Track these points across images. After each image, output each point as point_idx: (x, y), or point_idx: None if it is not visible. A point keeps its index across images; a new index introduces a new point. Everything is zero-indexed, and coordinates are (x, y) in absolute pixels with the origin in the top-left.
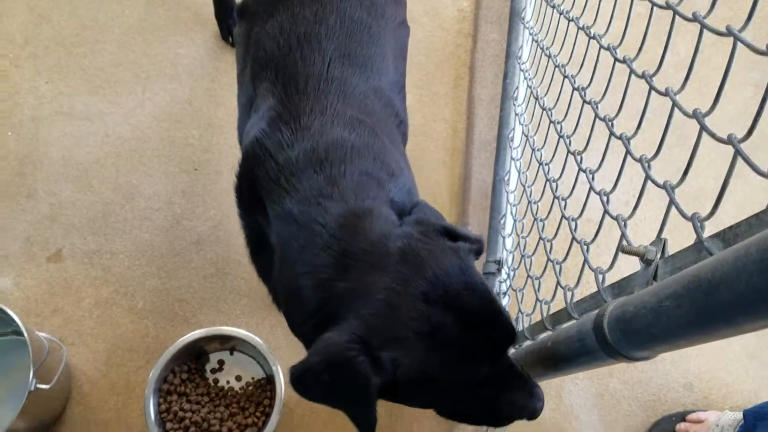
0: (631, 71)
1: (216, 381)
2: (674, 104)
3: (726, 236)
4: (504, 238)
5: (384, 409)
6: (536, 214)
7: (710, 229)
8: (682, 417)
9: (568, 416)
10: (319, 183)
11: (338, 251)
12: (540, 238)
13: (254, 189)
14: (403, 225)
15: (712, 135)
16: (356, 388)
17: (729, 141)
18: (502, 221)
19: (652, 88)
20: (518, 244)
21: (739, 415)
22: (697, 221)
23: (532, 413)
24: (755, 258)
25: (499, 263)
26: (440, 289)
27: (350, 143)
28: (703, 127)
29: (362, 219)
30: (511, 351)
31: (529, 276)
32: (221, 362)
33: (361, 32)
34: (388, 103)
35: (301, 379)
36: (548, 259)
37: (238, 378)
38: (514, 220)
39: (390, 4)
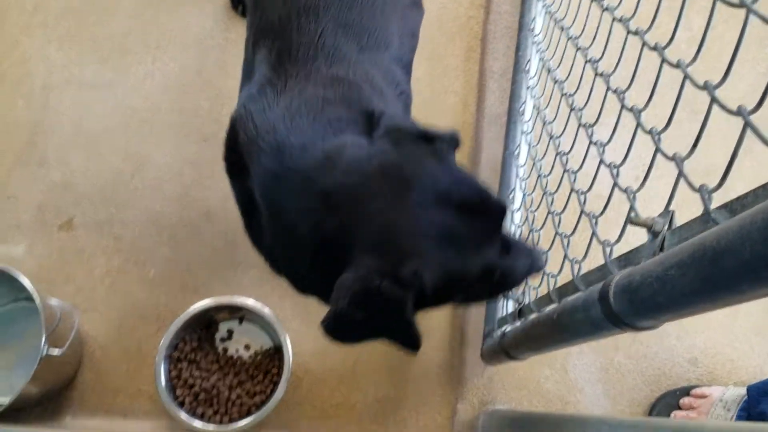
0: (644, 43)
1: (225, 350)
2: (686, 76)
3: (733, 207)
4: (513, 212)
5: (378, 394)
6: (545, 187)
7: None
8: (686, 392)
9: (573, 389)
10: (291, 135)
11: (319, 193)
12: (548, 212)
13: (240, 154)
14: (374, 141)
15: (722, 106)
16: (392, 313)
17: (739, 112)
18: (510, 195)
19: (664, 59)
20: (526, 218)
21: (743, 391)
22: (705, 193)
23: (538, 269)
24: (760, 226)
25: None
26: (431, 194)
27: (324, 96)
28: (713, 99)
29: (334, 155)
30: (517, 322)
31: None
32: (230, 331)
33: (362, 5)
34: (387, 72)
35: (335, 326)
36: (556, 233)
37: (247, 347)
38: (523, 194)
39: None
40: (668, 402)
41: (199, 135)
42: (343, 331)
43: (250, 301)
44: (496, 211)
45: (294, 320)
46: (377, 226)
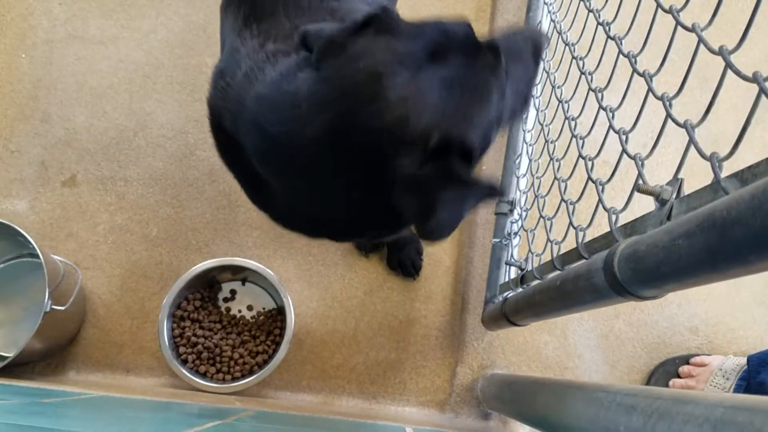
0: (658, 5)
1: (228, 309)
2: (700, 40)
3: (744, 176)
4: (518, 178)
5: (379, 356)
6: (552, 153)
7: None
8: (685, 360)
9: (572, 354)
10: (266, 87)
11: (316, 104)
12: (555, 178)
13: (228, 134)
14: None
15: (737, 72)
16: (466, 183)
17: (754, 79)
18: (517, 161)
19: (678, 22)
20: (532, 184)
21: (743, 361)
22: (715, 161)
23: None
24: None
25: (512, 204)
26: (410, 62)
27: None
28: (728, 64)
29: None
30: (519, 288)
31: (541, 216)
32: (233, 292)
33: None
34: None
35: (450, 225)
36: (562, 199)
37: (250, 308)
38: (530, 160)
39: None
40: (667, 370)
41: (204, 92)
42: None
43: (253, 263)
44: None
45: (297, 282)
46: (391, 113)
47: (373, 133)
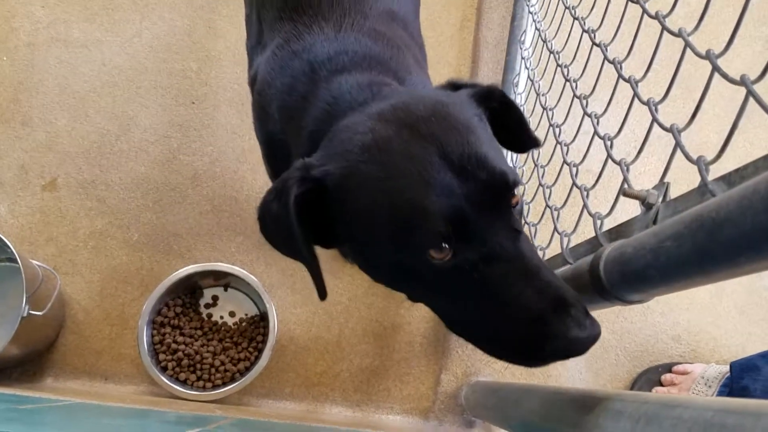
0: (644, 11)
1: (210, 316)
2: (686, 45)
3: (731, 179)
4: None
5: (363, 364)
6: (537, 160)
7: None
8: (668, 368)
9: (555, 363)
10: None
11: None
12: (540, 184)
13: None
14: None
15: (724, 75)
16: (285, 206)
17: (741, 82)
18: None
19: (664, 27)
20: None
21: (725, 369)
22: (702, 164)
23: (572, 345)
24: (763, 195)
25: None
26: (401, 111)
27: (356, 52)
28: (715, 68)
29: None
30: None
31: (526, 222)
32: (215, 298)
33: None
34: (406, 26)
35: (260, 215)
36: (546, 206)
37: (232, 314)
38: (515, 167)
39: None
40: (650, 378)
41: (188, 97)
42: (263, 222)
43: (236, 268)
44: (487, 176)
45: (280, 288)
46: (340, 130)
47: None
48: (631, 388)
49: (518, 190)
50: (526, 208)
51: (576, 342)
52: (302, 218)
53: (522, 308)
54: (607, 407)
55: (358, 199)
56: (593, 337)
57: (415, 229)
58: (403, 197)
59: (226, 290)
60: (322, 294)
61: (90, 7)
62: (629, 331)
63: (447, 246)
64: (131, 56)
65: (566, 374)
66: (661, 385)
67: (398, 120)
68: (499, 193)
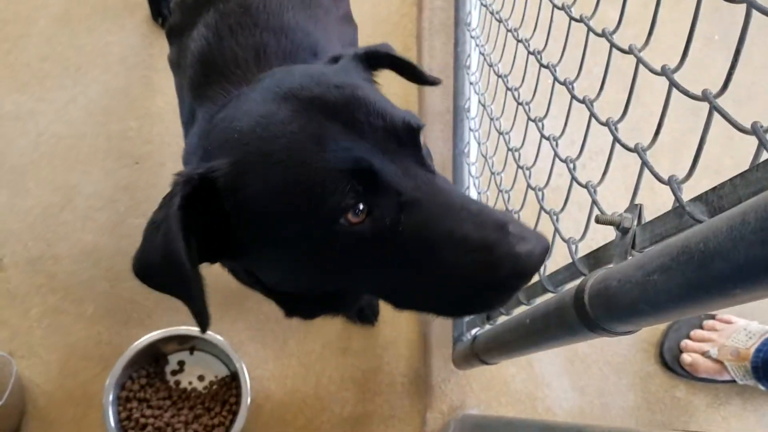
0: (589, 29)
1: (177, 383)
2: (639, 61)
3: (708, 198)
4: None
5: (344, 412)
6: (500, 185)
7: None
8: (711, 316)
9: (540, 384)
10: None
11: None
12: (506, 209)
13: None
14: None
15: (685, 92)
16: (167, 218)
17: (705, 97)
18: (465, 193)
19: (613, 45)
20: None
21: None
22: (675, 184)
23: (525, 260)
24: (754, 227)
25: None
26: (275, 87)
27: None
28: (673, 84)
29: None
30: (487, 325)
31: None
32: (181, 363)
33: (294, 11)
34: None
35: (135, 261)
36: None
37: (201, 378)
38: (478, 193)
39: None
40: (691, 321)
41: (130, 158)
42: (141, 261)
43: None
44: (378, 118)
45: (249, 344)
46: (217, 122)
47: None
48: (669, 328)
49: (422, 133)
50: None
51: (529, 255)
52: (188, 230)
53: (460, 244)
54: None
55: (254, 185)
56: (543, 247)
57: (321, 196)
58: (300, 167)
59: (192, 354)
60: (204, 323)
61: (19, 77)
62: (608, 342)
63: (361, 205)
64: (68, 123)
65: (552, 395)
66: (702, 329)
67: (274, 95)
68: (402, 136)
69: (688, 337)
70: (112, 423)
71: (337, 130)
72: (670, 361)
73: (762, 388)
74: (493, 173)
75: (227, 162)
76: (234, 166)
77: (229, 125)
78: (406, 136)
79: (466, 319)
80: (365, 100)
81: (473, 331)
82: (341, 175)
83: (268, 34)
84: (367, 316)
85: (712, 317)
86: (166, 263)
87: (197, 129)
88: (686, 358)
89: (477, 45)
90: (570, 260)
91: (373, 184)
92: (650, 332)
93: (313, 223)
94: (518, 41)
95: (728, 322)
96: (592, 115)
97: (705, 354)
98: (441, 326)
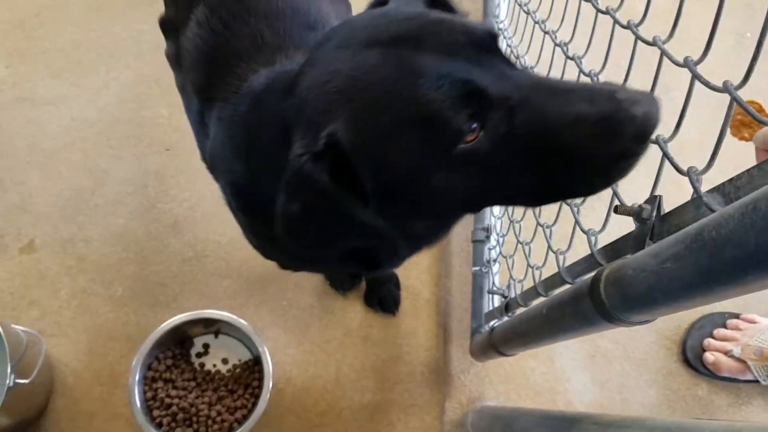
0: (615, 21)
1: (202, 365)
2: (663, 53)
3: (725, 190)
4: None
5: (364, 399)
6: None
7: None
8: (735, 315)
9: (561, 378)
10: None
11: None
12: None
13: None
14: None
15: (706, 84)
16: (320, 198)
17: (725, 89)
18: None
19: (638, 37)
20: (506, 209)
21: None
22: (693, 175)
23: (646, 121)
24: (765, 213)
25: (488, 230)
26: (351, 39)
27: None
28: (695, 76)
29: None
30: (505, 317)
31: (519, 242)
32: (206, 346)
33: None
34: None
35: (284, 230)
36: (537, 224)
37: (225, 361)
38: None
39: None
40: (714, 320)
41: (161, 144)
42: (295, 234)
43: (225, 313)
44: (464, 29)
45: (272, 329)
46: (306, 98)
47: None
48: (692, 327)
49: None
50: (516, 226)
51: (648, 116)
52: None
53: (579, 124)
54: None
55: (372, 135)
56: (656, 103)
57: (438, 128)
58: (410, 105)
59: (216, 337)
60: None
61: (53, 63)
62: (632, 338)
63: (474, 124)
64: (100, 109)
65: (572, 390)
66: (725, 328)
67: (354, 47)
68: (488, 45)
69: (711, 336)
70: (138, 402)
71: (430, 59)
72: (692, 359)
73: None
74: None
75: (340, 123)
76: (349, 124)
77: (320, 91)
78: (491, 44)
79: (485, 310)
80: (442, 21)
81: (491, 323)
82: (451, 102)
83: (261, 20)
84: (388, 305)
85: (736, 316)
86: (337, 228)
87: (220, 133)
88: (709, 356)
89: (505, 37)
90: (588, 252)
91: (482, 100)
92: (673, 330)
93: (437, 156)
94: (545, 33)
95: (752, 322)
96: None
97: (728, 353)
98: (460, 318)
